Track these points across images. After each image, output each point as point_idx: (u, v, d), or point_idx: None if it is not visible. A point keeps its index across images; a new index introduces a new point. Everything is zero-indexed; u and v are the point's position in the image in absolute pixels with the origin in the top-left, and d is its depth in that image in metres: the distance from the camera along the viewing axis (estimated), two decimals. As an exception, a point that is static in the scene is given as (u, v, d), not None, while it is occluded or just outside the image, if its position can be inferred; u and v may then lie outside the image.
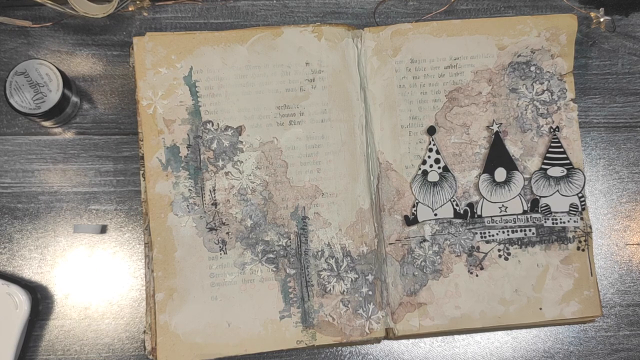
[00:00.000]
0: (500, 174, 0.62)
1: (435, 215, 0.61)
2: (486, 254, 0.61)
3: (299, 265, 0.59)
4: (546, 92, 0.63)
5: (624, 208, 0.66)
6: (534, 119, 0.62)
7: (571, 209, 0.62)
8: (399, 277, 0.60)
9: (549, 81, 0.63)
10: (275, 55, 0.61)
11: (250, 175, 0.60)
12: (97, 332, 0.61)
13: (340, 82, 0.61)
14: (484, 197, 0.62)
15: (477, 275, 0.61)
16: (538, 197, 0.62)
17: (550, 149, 0.62)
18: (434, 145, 0.62)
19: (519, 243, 0.61)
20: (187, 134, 0.60)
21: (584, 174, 0.62)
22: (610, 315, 0.64)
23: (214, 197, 0.59)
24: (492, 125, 0.62)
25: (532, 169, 0.62)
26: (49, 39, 0.64)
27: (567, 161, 0.62)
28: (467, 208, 0.62)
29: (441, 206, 0.61)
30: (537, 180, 0.62)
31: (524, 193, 0.62)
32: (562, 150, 0.62)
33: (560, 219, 0.62)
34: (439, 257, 0.61)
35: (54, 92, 0.58)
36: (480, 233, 0.61)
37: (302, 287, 0.59)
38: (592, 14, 0.65)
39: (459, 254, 0.61)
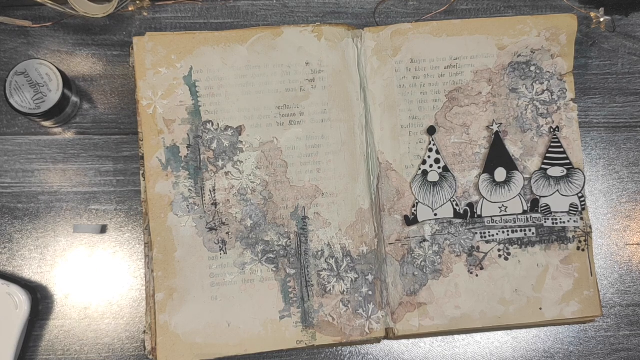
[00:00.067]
0: (500, 174, 0.62)
1: (435, 215, 0.61)
2: (486, 254, 0.61)
3: (299, 265, 0.59)
4: (546, 92, 0.63)
5: (624, 208, 0.66)
6: (534, 119, 0.62)
7: (571, 209, 0.62)
8: (399, 277, 0.60)
9: (549, 81, 0.63)
10: (275, 55, 0.61)
11: (250, 175, 0.60)
12: (97, 332, 0.61)
13: (340, 82, 0.61)
14: (484, 197, 0.62)
15: (477, 275, 0.61)
16: (538, 197, 0.62)
17: (550, 149, 0.62)
18: (434, 145, 0.62)
19: (519, 243, 0.61)
20: (187, 134, 0.60)
21: (584, 174, 0.62)
22: (610, 315, 0.64)
23: (214, 197, 0.59)
24: (492, 125, 0.62)
25: (532, 169, 0.62)
26: (49, 39, 0.64)
27: (567, 161, 0.62)
28: (467, 208, 0.62)
29: (441, 206, 0.61)
30: (537, 180, 0.62)
31: (524, 193, 0.62)
32: (562, 150, 0.62)
33: (560, 219, 0.62)
34: (439, 257, 0.61)
35: (54, 92, 0.58)
36: (480, 233, 0.61)
37: (302, 287, 0.59)
38: (592, 14, 0.65)
39: (459, 254, 0.61)
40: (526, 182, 0.62)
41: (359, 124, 0.61)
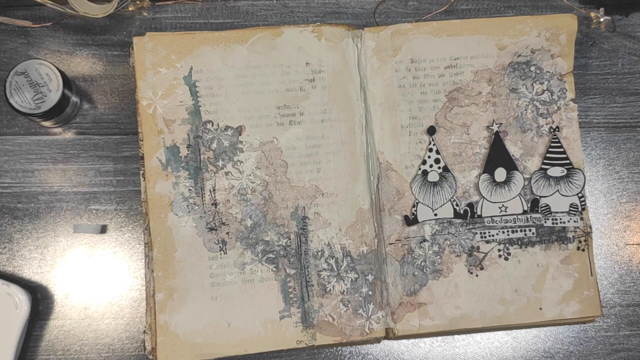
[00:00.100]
0: (500, 174, 0.62)
1: (435, 215, 0.61)
2: (486, 254, 0.61)
3: (299, 265, 0.59)
4: (546, 92, 0.63)
5: (624, 208, 0.66)
6: (534, 119, 0.62)
7: (571, 209, 0.62)
8: (399, 277, 0.60)
9: (549, 81, 0.63)
10: (275, 55, 0.61)
11: (250, 175, 0.60)
12: (97, 332, 0.61)
13: (340, 82, 0.61)
14: (484, 197, 0.62)
15: (477, 275, 0.61)
16: (538, 197, 0.62)
17: (550, 149, 0.62)
18: (434, 145, 0.62)
19: (519, 243, 0.61)
20: (187, 134, 0.60)
21: (584, 174, 0.62)
22: (610, 315, 0.64)
23: (214, 197, 0.59)
24: (492, 125, 0.62)
25: (532, 169, 0.62)
26: (49, 39, 0.64)
27: (567, 161, 0.62)
28: (467, 208, 0.62)
29: (441, 206, 0.61)
30: (537, 180, 0.62)
31: (524, 193, 0.62)
32: (562, 150, 0.62)
33: (560, 219, 0.62)
34: (439, 257, 0.61)
35: (54, 92, 0.58)
36: (480, 233, 0.61)
37: (302, 287, 0.59)
38: (592, 14, 0.65)
39: (459, 254, 0.61)
40: (526, 182, 0.62)
41: (359, 124, 0.61)
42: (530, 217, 0.62)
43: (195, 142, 0.60)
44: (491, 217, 0.62)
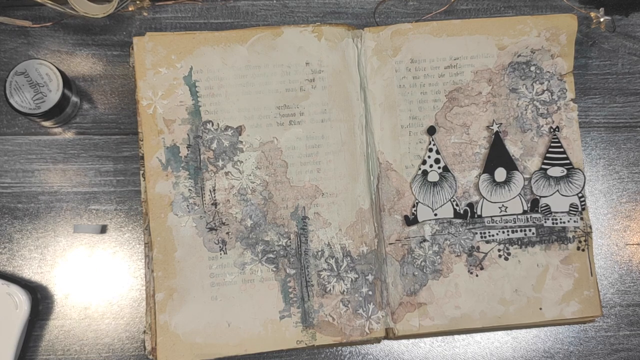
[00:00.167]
0: (500, 174, 0.62)
1: (435, 215, 0.61)
2: (486, 254, 0.61)
3: (299, 265, 0.59)
4: (546, 92, 0.63)
5: (624, 208, 0.66)
6: (534, 119, 0.62)
7: (571, 209, 0.62)
8: (399, 277, 0.60)
9: (549, 81, 0.63)
10: (275, 55, 0.61)
11: (250, 175, 0.60)
12: (97, 332, 0.61)
13: (340, 82, 0.61)
14: (484, 197, 0.62)
15: (477, 275, 0.61)
16: (538, 197, 0.62)
17: (550, 149, 0.62)
18: (434, 145, 0.62)
19: (519, 243, 0.61)
20: (187, 134, 0.60)
21: (584, 174, 0.62)
22: (610, 315, 0.64)
23: (214, 197, 0.59)
24: (492, 125, 0.62)
25: (532, 169, 0.62)
26: (49, 39, 0.64)
27: (567, 161, 0.62)
28: (467, 208, 0.62)
29: (441, 206, 0.61)
30: (537, 180, 0.62)
31: (524, 193, 0.62)
32: (562, 150, 0.62)
33: (560, 219, 0.62)
34: (439, 257, 0.61)
35: (54, 92, 0.58)
36: (480, 233, 0.61)
37: (302, 287, 0.59)
38: (592, 14, 0.65)
39: (459, 254, 0.61)
40: (526, 182, 0.62)
41: (359, 124, 0.61)
42: (530, 217, 0.62)
43: (195, 142, 0.60)
44: (491, 217, 0.62)
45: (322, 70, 0.61)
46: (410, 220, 0.61)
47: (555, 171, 0.62)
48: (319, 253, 0.60)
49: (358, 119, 0.61)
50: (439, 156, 0.62)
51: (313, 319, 0.59)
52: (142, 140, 0.60)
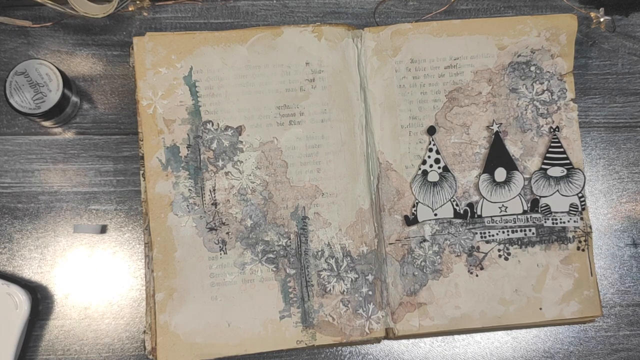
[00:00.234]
0: (500, 174, 0.62)
1: (435, 215, 0.61)
2: (486, 254, 0.61)
3: (299, 265, 0.59)
4: (546, 92, 0.63)
5: (624, 208, 0.66)
6: (534, 119, 0.62)
7: (571, 209, 0.62)
8: (399, 277, 0.60)
9: (549, 81, 0.63)
10: (275, 55, 0.61)
11: (250, 175, 0.60)
12: (97, 332, 0.61)
13: (340, 82, 0.61)
14: (484, 197, 0.62)
15: (477, 275, 0.61)
16: (538, 197, 0.62)
17: (550, 149, 0.62)
18: (434, 145, 0.62)
19: (519, 243, 0.61)
20: (187, 134, 0.60)
21: (584, 174, 0.62)
22: (610, 315, 0.64)
23: (214, 197, 0.59)
24: (492, 125, 0.62)
25: (532, 169, 0.62)
26: (49, 39, 0.64)
27: (567, 161, 0.62)
28: (467, 208, 0.62)
29: (441, 206, 0.61)
30: (537, 180, 0.62)
31: (524, 193, 0.62)
32: (562, 150, 0.62)
33: (560, 219, 0.62)
34: (439, 257, 0.61)
35: (54, 92, 0.58)
36: (480, 233, 0.61)
37: (302, 287, 0.59)
38: (592, 14, 0.65)
39: (459, 254, 0.61)
40: (526, 182, 0.62)
41: (359, 124, 0.61)
42: (530, 217, 0.62)
43: (195, 142, 0.60)
44: (491, 217, 0.62)
45: (322, 70, 0.61)
46: (410, 220, 0.61)
47: (555, 171, 0.62)
48: (319, 253, 0.60)
49: (358, 119, 0.61)
50: (439, 156, 0.62)
51: (313, 319, 0.59)
52: (142, 140, 0.60)
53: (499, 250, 0.61)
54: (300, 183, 0.60)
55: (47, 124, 0.62)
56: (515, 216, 0.62)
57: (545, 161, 0.62)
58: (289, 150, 0.60)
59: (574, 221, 0.62)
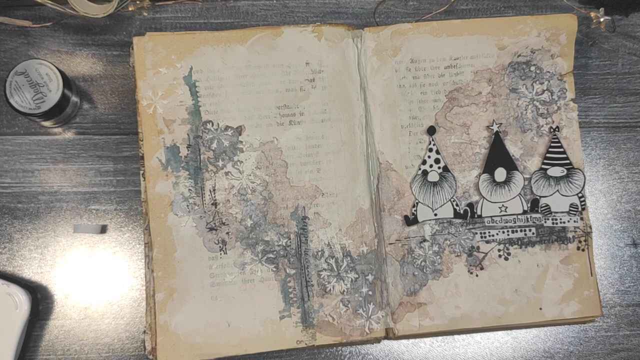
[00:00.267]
0: (500, 174, 0.62)
1: (435, 215, 0.61)
2: (486, 254, 0.61)
3: (299, 265, 0.59)
4: (546, 92, 0.63)
5: (624, 208, 0.66)
6: (534, 119, 0.62)
7: (571, 209, 0.62)
8: (399, 277, 0.60)
9: (549, 81, 0.63)
10: (275, 55, 0.61)
11: (250, 175, 0.60)
12: (97, 332, 0.61)
13: (340, 82, 0.61)
14: (484, 197, 0.62)
15: (477, 275, 0.61)
16: (538, 197, 0.62)
17: (550, 149, 0.62)
18: (434, 145, 0.62)
19: (519, 243, 0.61)
20: (187, 134, 0.60)
21: (584, 174, 0.62)
22: (610, 315, 0.64)
23: (214, 197, 0.59)
24: (492, 125, 0.62)
25: (532, 169, 0.62)
26: (49, 39, 0.64)
27: (567, 161, 0.62)
28: (467, 208, 0.62)
29: (441, 206, 0.61)
30: (537, 180, 0.62)
31: (524, 193, 0.62)
32: (562, 150, 0.62)
33: (560, 219, 0.62)
34: (439, 257, 0.61)
35: (54, 92, 0.58)
36: (480, 233, 0.61)
37: (302, 287, 0.59)
38: (592, 14, 0.65)
39: (459, 254, 0.61)
40: (526, 182, 0.62)
41: (359, 124, 0.61)
42: (530, 217, 0.62)
43: (195, 142, 0.60)
44: (491, 217, 0.62)
45: (322, 70, 0.61)
46: (410, 220, 0.61)
47: (555, 171, 0.62)
48: (319, 253, 0.60)
49: (358, 119, 0.61)
50: (439, 156, 0.62)
51: (313, 319, 0.59)
52: (142, 140, 0.60)
53: (499, 250, 0.61)
54: (300, 183, 0.60)
55: (47, 124, 0.62)
56: (515, 216, 0.62)
57: (545, 161, 0.62)
58: (289, 150, 0.60)
59: (574, 221, 0.62)
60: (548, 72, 0.63)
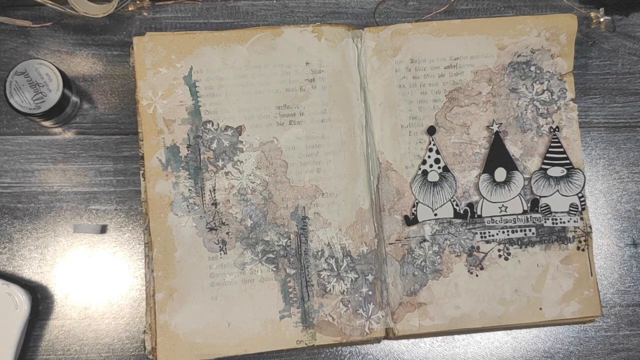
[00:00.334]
0: (500, 174, 0.62)
1: (435, 215, 0.61)
2: (486, 254, 0.61)
3: (299, 265, 0.59)
4: (546, 92, 0.63)
5: (624, 208, 0.66)
6: (534, 119, 0.62)
7: (571, 209, 0.62)
8: (399, 277, 0.60)
9: (549, 81, 0.63)
10: (275, 55, 0.61)
11: (250, 175, 0.60)
12: (97, 332, 0.61)
13: (340, 82, 0.61)
14: (484, 197, 0.62)
15: (477, 275, 0.61)
16: (538, 197, 0.62)
17: (550, 149, 0.62)
18: (434, 145, 0.62)
19: (519, 243, 0.61)
20: (187, 134, 0.60)
21: (584, 174, 0.62)
22: (610, 315, 0.64)
23: (214, 197, 0.59)
24: (492, 125, 0.62)
25: (532, 169, 0.62)
26: (49, 39, 0.64)
27: (567, 161, 0.62)
28: (467, 208, 0.62)
29: (441, 206, 0.61)
30: (537, 180, 0.62)
31: (524, 193, 0.62)
32: (562, 150, 0.62)
33: (560, 219, 0.62)
34: (439, 257, 0.61)
35: (54, 92, 0.58)
36: (480, 233, 0.61)
37: (302, 287, 0.59)
38: (592, 14, 0.65)
39: (459, 254, 0.61)
40: (526, 182, 0.62)
41: (359, 124, 0.61)
42: (530, 217, 0.62)
43: (195, 142, 0.60)
44: (491, 217, 0.62)
45: (322, 70, 0.61)
46: (410, 220, 0.61)
47: (555, 171, 0.62)
48: (319, 253, 0.60)
49: (358, 119, 0.61)
50: (439, 156, 0.62)
51: (313, 319, 0.59)
52: (142, 140, 0.60)
53: (499, 250, 0.61)
54: (300, 183, 0.60)
55: (47, 124, 0.62)
56: (515, 216, 0.62)
57: (545, 161, 0.62)
58: (289, 150, 0.60)
59: (574, 221, 0.62)
60: (548, 72, 0.63)
